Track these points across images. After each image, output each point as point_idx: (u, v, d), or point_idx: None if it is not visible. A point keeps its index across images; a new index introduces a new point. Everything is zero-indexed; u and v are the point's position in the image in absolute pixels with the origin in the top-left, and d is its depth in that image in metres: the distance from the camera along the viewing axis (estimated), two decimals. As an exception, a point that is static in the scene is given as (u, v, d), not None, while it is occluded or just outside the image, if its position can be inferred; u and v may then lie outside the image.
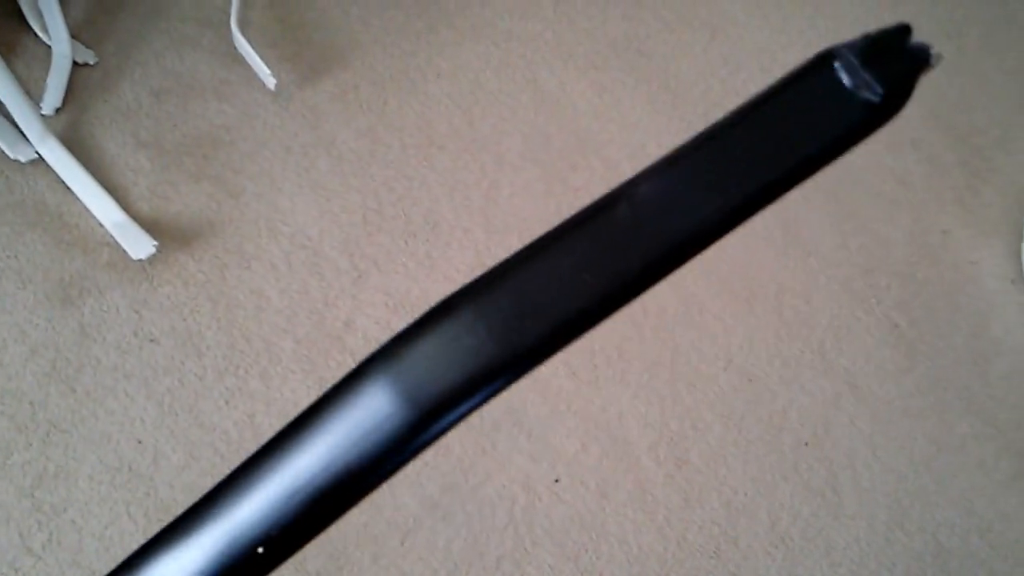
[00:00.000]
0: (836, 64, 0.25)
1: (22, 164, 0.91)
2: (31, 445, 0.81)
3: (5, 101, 0.89)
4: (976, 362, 1.02)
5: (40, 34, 0.98)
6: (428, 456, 0.85)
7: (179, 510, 0.82)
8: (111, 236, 0.89)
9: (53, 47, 0.97)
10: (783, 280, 1.04)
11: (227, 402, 0.86)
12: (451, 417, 0.25)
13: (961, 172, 1.17)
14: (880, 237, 1.10)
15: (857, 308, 1.04)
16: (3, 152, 0.91)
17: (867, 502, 0.92)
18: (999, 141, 1.21)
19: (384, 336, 0.93)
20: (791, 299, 1.03)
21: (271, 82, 0.98)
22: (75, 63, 0.98)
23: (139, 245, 0.88)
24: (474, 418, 0.89)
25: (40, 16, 0.99)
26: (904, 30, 0.25)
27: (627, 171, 1.03)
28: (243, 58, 1.02)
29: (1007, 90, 1.27)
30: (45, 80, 0.96)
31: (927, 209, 1.13)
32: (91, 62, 1.00)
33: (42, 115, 0.92)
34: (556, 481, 0.87)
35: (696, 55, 1.17)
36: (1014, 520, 0.94)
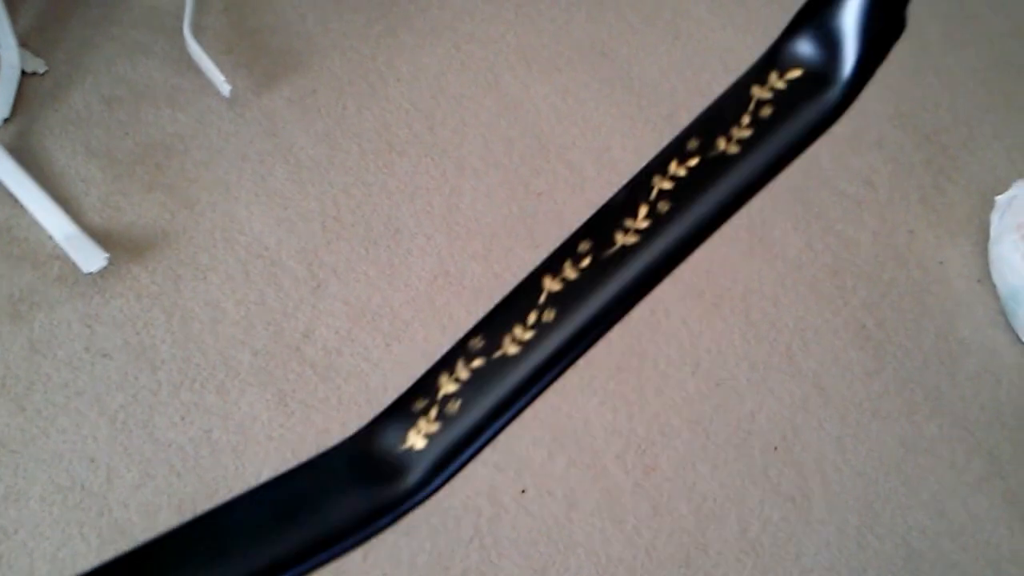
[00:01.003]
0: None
1: (-33, 176, 0.88)
2: (-25, 467, 0.78)
3: (-52, 112, 0.87)
4: (944, 362, 1.02)
5: (-13, 42, 0.96)
6: (391, 469, 0.83)
7: (134, 530, 0.80)
8: (61, 249, 0.87)
9: (1, 56, 0.95)
10: (749, 283, 1.03)
11: (183, 418, 0.83)
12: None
13: (927, 171, 1.17)
14: (846, 238, 1.09)
15: (824, 310, 1.03)
16: (-53, 164, 0.88)
17: (837, 506, 0.92)
18: (964, 140, 1.21)
19: (345, 347, 0.91)
20: (758, 301, 1.02)
21: (226, 88, 0.96)
22: (24, 72, 0.96)
23: (90, 258, 0.86)
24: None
25: (-14, 24, 0.96)
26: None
27: (591, 175, 1.02)
28: (197, 64, 1.00)
29: (971, 88, 1.27)
30: (-8, 89, 0.93)
31: (893, 209, 1.13)
32: (40, 71, 0.97)
33: (-12, 125, 0.90)
34: (522, 492, 0.86)
35: (660, 56, 1.16)
36: (985, 521, 0.94)
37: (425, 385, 0.29)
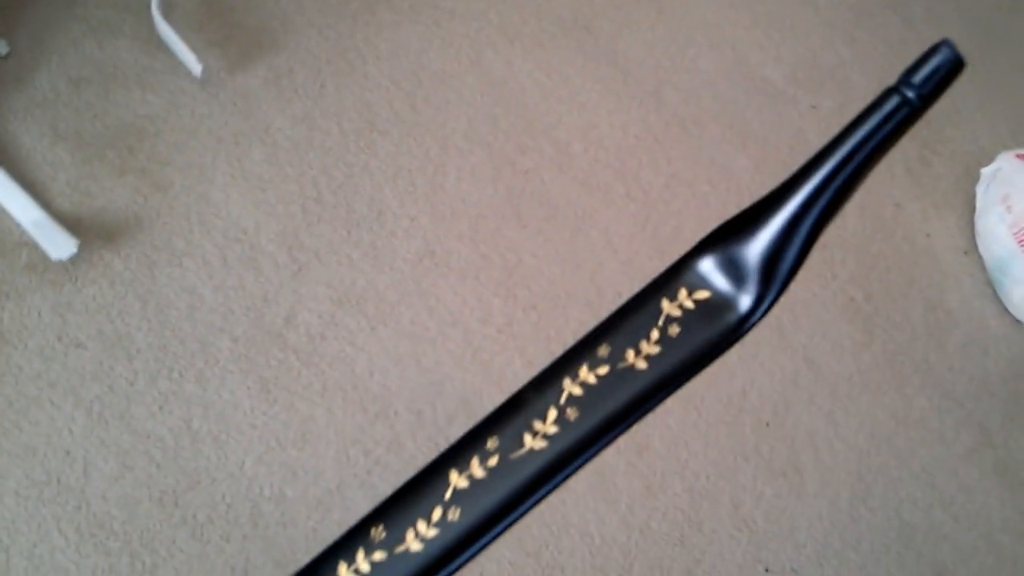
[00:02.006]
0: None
1: (-73, 162, 0.85)
2: (-57, 462, 0.75)
3: (-96, 94, 0.83)
4: (933, 334, 1.02)
5: (-55, 22, 0.92)
6: (381, 454, 0.81)
7: (113, 524, 0.77)
8: (29, 236, 0.84)
9: (-40, 36, 0.91)
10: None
11: (161, 407, 0.81)
12: None
13: (912, 144, 1.17)
14: (835, 212, 1.09)
15: (813, 283, 1.03)
16: (-95, 149, 0.84)
17: (830, 480, 0.91)
18: (949, 113, 1.21)
19: (329, 331, 0.88)
20: (748, 278, 1.02)
21: (197, 69, 0.93)
22: (-15, 53, 0.92)
23: (60, 245, 0.83)
24: (427, 409, 0.85)
25: (-56, 3, 0.92)
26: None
27: (577, 152, 1.00)
28: (167, 44, 0.96)
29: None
30: (-49, 71, 0.89)
31: (879, 183, 1.13)
32: (3, 52, 0.94)
33: (-52, 108, 0.86)
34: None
35: (644, 32, 1.14)
36: (975, 492, 0.94)
37: (322, 573, 0.29)
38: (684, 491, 0.87)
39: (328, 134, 0.97)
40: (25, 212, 0.84)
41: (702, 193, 1.04)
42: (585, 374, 0.30)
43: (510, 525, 0.29)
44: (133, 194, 0.89)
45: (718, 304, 0.29)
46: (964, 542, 0.91)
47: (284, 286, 0.88)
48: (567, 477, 0.29)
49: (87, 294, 0.84)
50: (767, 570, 0.85)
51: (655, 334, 0.29)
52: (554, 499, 0.85)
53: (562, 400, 0.30)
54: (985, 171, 1.06)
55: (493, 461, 0.29)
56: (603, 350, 0.30)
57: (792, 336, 0.98)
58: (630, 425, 0.29)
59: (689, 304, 0.29)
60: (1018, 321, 1.03)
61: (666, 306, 0.30)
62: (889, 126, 0.27)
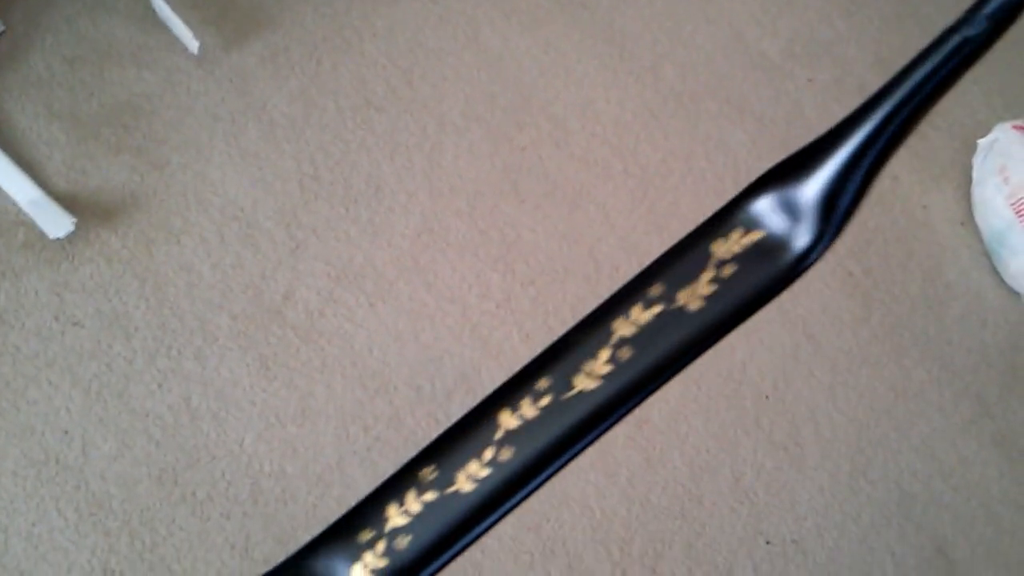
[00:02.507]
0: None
1: (-79, 140, 0.84)
2: (-58, 439, 0.75)
3: None
4: (931, 307, 1.02)
5: (-64, 2, 0.91)
6: (380, 430, 0.81)
7: (112, 503, 0.76)
8: (26, 215, 0.83)
9: (-48, 15, 0.90)
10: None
11: (160, 385, 0.80)
12: None
13: (909, 119, 1.17)
14: (832, 187, 1.09)
15: (812, 259, 1.03)
16: (-102, 128, 0.84)
17: (830, 453, 0.91)
18: (945, 89, 1.21)
19: (328, 308, 0.88)
20: (746, 253, 1.02)
21: (194, 45, 0.92)
22: (-22, 32, 0.91)
23: (57, 223, 0.82)
24: (426, 385, 0.85)
25: (-65, -18, 0.91)
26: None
27: (575, 128, 0.99)
28: (163, 21, 0.96)
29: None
30: (-56, 50, 0.89)
31: (877, 157, 1.12)
32: (-4, 31, 0.93)
33: (-59, 87, 0.85)
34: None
35: (640, 7, 1.14)
36: (974, 463, 0.94)
37: (371, 514, 0.29)
38: (684, 464, 0.87)
39: (325, 111, 0.96)
40: (21, 191, 0.83)
41: (699, 168, 1.04)
42: (638, 314, 0.29)
43: (563, 465, 0.28)
44: (129, 172, 0.89)
45: (773, 245, 0.28)
46: (963, 513, 0.91)
47: (282, 263, 0.87)
48: (620, 417, 0.29)
49: (84, 273, 0.83)
50: (768, 542, 0.86)
51: (708, 275, 0.29)
52: (555, 476, 0.85)
53: (614, 340, 0.29)
54: (981, 142, 1.06)
55: (545, 401, 0.29)
56: (655, 291, 0.29)
57: (791, 310, 0.98)
58: (684, 366, 0.29)
59: (743, 246, 0.29)
60: (1015, 292, 1.03)
61: (719, 248, 0.29)
62: (953, 62, 0.27)
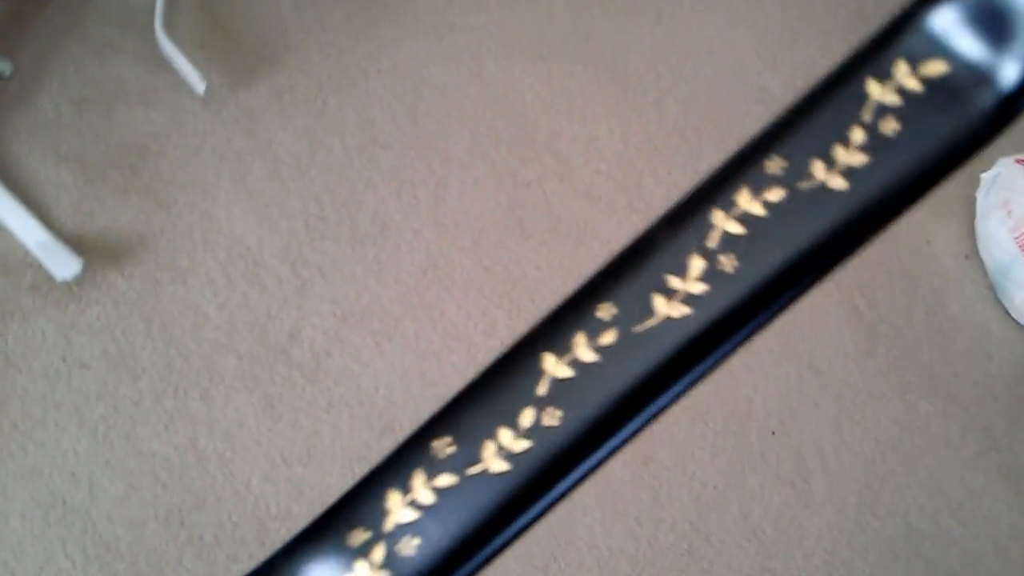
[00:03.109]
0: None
1: (-70, 184, 0.85)
2: (-50, 486, 0.75)
3: (-93, 117, 0.83)
4: (936, 340, 1.02)
5: (-54, 44, 0.92)
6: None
7: (119, 545, 0.76)
8: (34, 257, 0.84)
9: (-39, 58, 0.91)
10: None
11: (166, 427, 0.81)
12: None
13: (912, 151, 1.18)
14: (836, 219, 1.09)
15: (816, 291, 1.02)
16: (-92, 172, 0.84)
17: (837, 488, 0.91)
18: (947, 119, 1.22)
19: (334, 347, 0.88)
20: (751, 286, 1.02)
21: (200, 86, 0.93)
22: (-13, 74, 0.92)
23: (64, 265, 0.83)
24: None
25: (-55, 25, 0.92)
26: None
27: (579, 164, 1.00)
28: (170, 62, 0.97)
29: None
30: (-47, 93, 0.90)
31: (881, 189, 1.13)
32: (6, 74, 0.94)
33: (-50, 130, 0.86)
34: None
35: (643, 41, 1.15)
36: (982, 497, 0.94)
37: (367, 505, 0.21)
38: (691, 501, 0.87)
39: (331, 150, 0.97)
40: (29, 233, 0.84)
41: (703, 202, 1.05)
42: (747, 201, 0.20)
43: (637, 432, 0.20)
44: (136, 213, 0.89)
45: (963, 79, 0.18)
46: (972, 548, 0.91)
47: (288, 302, 0.88)
48: (723, 358, 0.20)
49: (91, 314, 0.84)
50: (776, 580, 0.85)
51: (859, 135, 0.19)
52: (560, 511, 0.85)
53: (712, 243, 0.20)
54: (985, 176, 1.06)
55: (609, 338, 0.20)
56: (775, 164, 0.20)
57: (796, 344, 0.98)
58: (820, 277, 0.19)
59: (913, 84, 0.19)
60: (1020, 325, 1.03)
61: (875, 90, 0.19)
62: None
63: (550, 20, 1.15)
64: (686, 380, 0.20)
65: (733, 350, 0.20)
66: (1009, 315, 1.03)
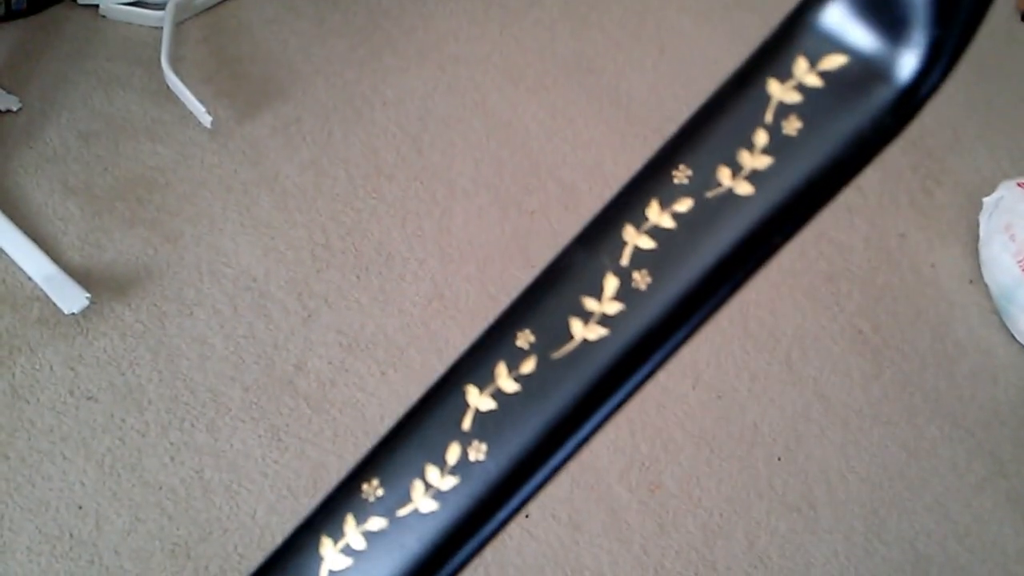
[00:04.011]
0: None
1: (-60, 219, 0.86)
2: (-43, 522, 0.75)
3: (-82, 153, 0.84)
4: (941, 364, 1.02)
5: (-44, 80, 0.93)
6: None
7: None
8: (41, 290, 0.84)
9: (-29, 93, 0.92)
10: (746, 293, 1.03)
11: (172, 458, 0.81)
12: None
13: (914, 175, 1.18)
14: (839, 244, 1.10)
15: (821, 316, 1.03)
16: (-82, 207, 0.85)
17: (843, 514, 0.91)
18: (950, 143, 1.22)
19: (339, 377, 0.88)
20: (756, 311, 1.02)
21: (207, 119, 0.94)
22: (-4, 109, 0.93)
23: (71, 298, 0.83)
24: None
25: (-44, 61, 0.94)
26: None
27: (583, 191, 1.01)
28: (176, 96, 0.98)
29: (952, 91, 1.28)
30: (-37, 128, 0.91)
31: (883, 214, 1.13)
32: (14, 108, 0.95)
33: (-40, 165, 0.87)
34: (526, 516, 0.84)
35: (646, 70, 1.16)
36: (989, 522, 0.94)
37: (300, 555, 0.21)
38: (698, 529, 0.87)
39: (336, 180, 0.98)
40: (36, 267, 0.85)
41: (706, 228, 1.05)
42: (657, 215, 0.19)
43: (566, 461, 0.20)
44: (143, 245, 0.90)
45: (862, 71, 0.17)
46: (980, 573, 0.90)
47: (294, 333, 0.88)
48: (644, 379, 0.19)
49: (98, 346, 0.84)
50: (784, 608, 0.85)
51: (762, 137, 0.18)
52: (566, 539, 0.85)
53: (624, 260, 0.20)
54: (987, 200, 1.07)
55: (529, 366, 0.20)
56: (681, 174, 0.19)
57: (801, 369, 0.98)
58: (737, 286, 0.19)
59: (814, 80, 0.18)
60: (1026, 349, 1.03)
61: (776, 90, 0.18)
62: None
63: (552, 50, 1.16)
64: (609, 404, 0.20)
65: (654, 370, 0.20)
66: (1014, 339, 1.03)
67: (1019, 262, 0.99)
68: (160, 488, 0.79)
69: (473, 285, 0.95)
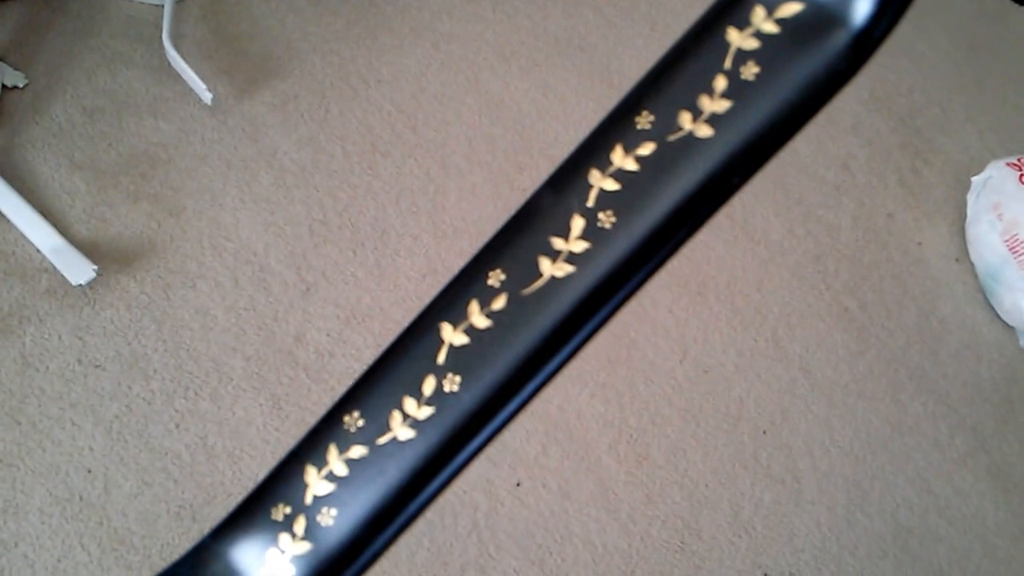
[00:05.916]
0: None
1: (-50, 193, 0.88)
2: (-28, 482, 0.78)
3: (-72, 129, 0.87)
4: (926, 341, 1.04)
5: (-36, 57, 0.95)
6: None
7: (133, 539, 0.80)
8: (49, 262, 0.87)
9: (-21, 70, 0.95)
10: (734, 270, 1.05)
11: (177, 425, 0.84)
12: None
13: (903, 154, 1.19)
14: (826, 223, 1.11)
15: (808, 294, 1.05)
16: (-71, 181, 0.88)
17: (827, 487, 0.93)
18: (939, 121, 1.23)
19: (337, 348, 0.91)
20: (743, 288, 1.04)
21: (207, 96, 0.96)
22: (3, 86, 0.96)
23: (78, 270, 0.86)
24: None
25: (-37, 39, 0.96)
26: None
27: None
28: (178, 73, 1.00)
29: (943, 71, 1.29)
30: (-29, 105, 0.93)
31: (871, 193, 1.15)
32: (20, 84, 0.97)
33: (-31, 141, 0.90)
34: (517, 485, 0.87)
35: (638, 49, 1.17)
36: (970, 495, 0.96)
37: (287, 482, 0.22)
38: (684, 499, 0.89)
39: (333, 157, 1.00)
40: (44, 239, 0.87)
41: (698, 206, 1.07)
42: (621, 159, 0.20)
43: (535, 392, 0.21)
44: (147, 219, 0.93)
45: (817, 17, 0.18)
46: (959, 545, 0.93)
47: (293, 306, 0.91)
48: (611, 313, 0.20)
49: (105, 317, 0.87)
50: (766, 575, 0.88)
51: (721, 82, 0.19)
52: (556, 507, 0.88)
53: (590, 201, 0.20)
54: (975, 180, 1.08)
55: (500, 303, 0.21)
56: (644, 120, 0.20)
57: (788, 346, 1.00)
58: (698, 224, 0.20)
59: (770, 27, 0.19)
60: (1009, 327, 1.04)
61: (734, 37, 0.19)
62: None
63: (545, 29, 1.17)
64: (576, 338, 0.21)
65: (619, 305, 0.21)
66: (999, 317, 1.05)
67: (1005, 241, 1.00)
68: (166, 454, 0.82)
69: (466, 260, 0.97)
